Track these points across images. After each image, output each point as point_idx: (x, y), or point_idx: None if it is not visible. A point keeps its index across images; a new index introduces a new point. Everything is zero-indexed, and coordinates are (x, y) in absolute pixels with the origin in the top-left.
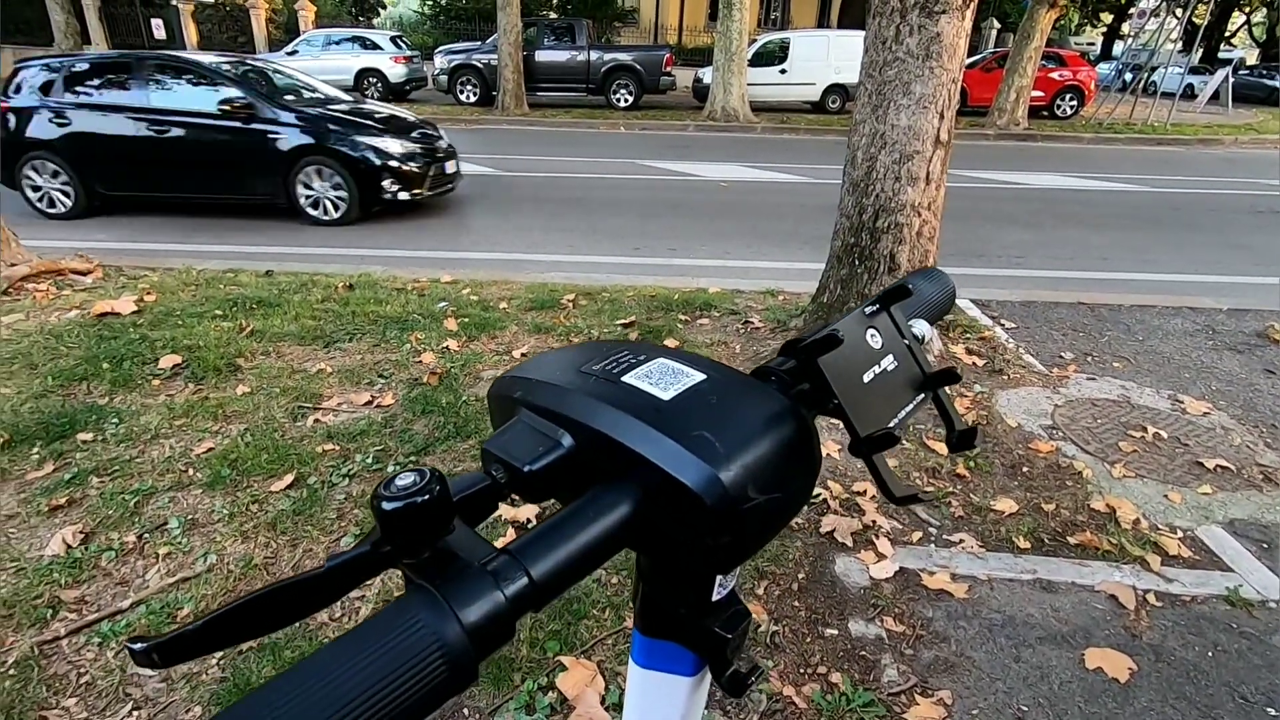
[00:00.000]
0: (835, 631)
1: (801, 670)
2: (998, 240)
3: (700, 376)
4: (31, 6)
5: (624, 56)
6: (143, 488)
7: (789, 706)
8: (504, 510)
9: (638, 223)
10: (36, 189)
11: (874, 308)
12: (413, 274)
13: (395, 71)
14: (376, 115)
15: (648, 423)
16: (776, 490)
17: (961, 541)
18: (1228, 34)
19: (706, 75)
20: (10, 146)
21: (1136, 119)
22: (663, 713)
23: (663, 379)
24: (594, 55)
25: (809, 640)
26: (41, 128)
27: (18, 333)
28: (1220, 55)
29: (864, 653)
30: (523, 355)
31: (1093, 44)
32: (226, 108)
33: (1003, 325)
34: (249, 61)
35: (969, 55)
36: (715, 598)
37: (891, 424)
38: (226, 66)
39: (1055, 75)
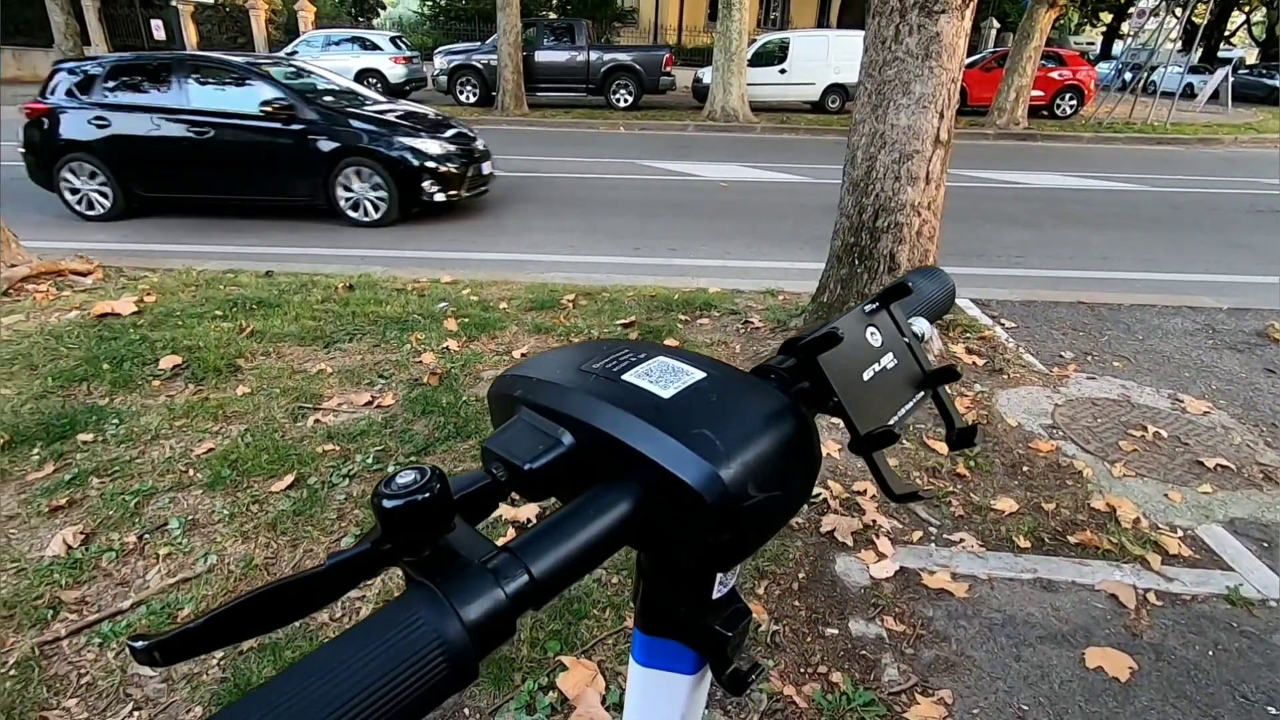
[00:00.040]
0: (836, 631)
1: (802, 670)
2: (997, 240)
3: (700, 374)
4: (31, 7)
5: (623, 57)
6: (143, 488)
7: (789, 706)
8: (504, 510)
9: (638, 223)
10: (75, 191)
11: (874, 306)
12: (413, 274)
13: (395, 72)
14: (414, 116)
15: (648, 421)
16: (776, 488)
17: (962, 541)
18: (1227, 33)
19: (706, 75)
20: (49, 148)
21: (1136, 118)
22: (663, 711)
23: (663, 377)
24: (593, 55)
25: (809, 640)
26: (80, 129)
27: (18, 333)
28: (1220, 54)
29: (864, 652)
30: (523, 355)
31: (1092, 43)
32: (267, 109)
33: (1003, 325)
34: (288, 63)
35: (968, 55)
36: (716, 596)
37: (891, 422)
38: (267, 67)
39: (1055, 75)
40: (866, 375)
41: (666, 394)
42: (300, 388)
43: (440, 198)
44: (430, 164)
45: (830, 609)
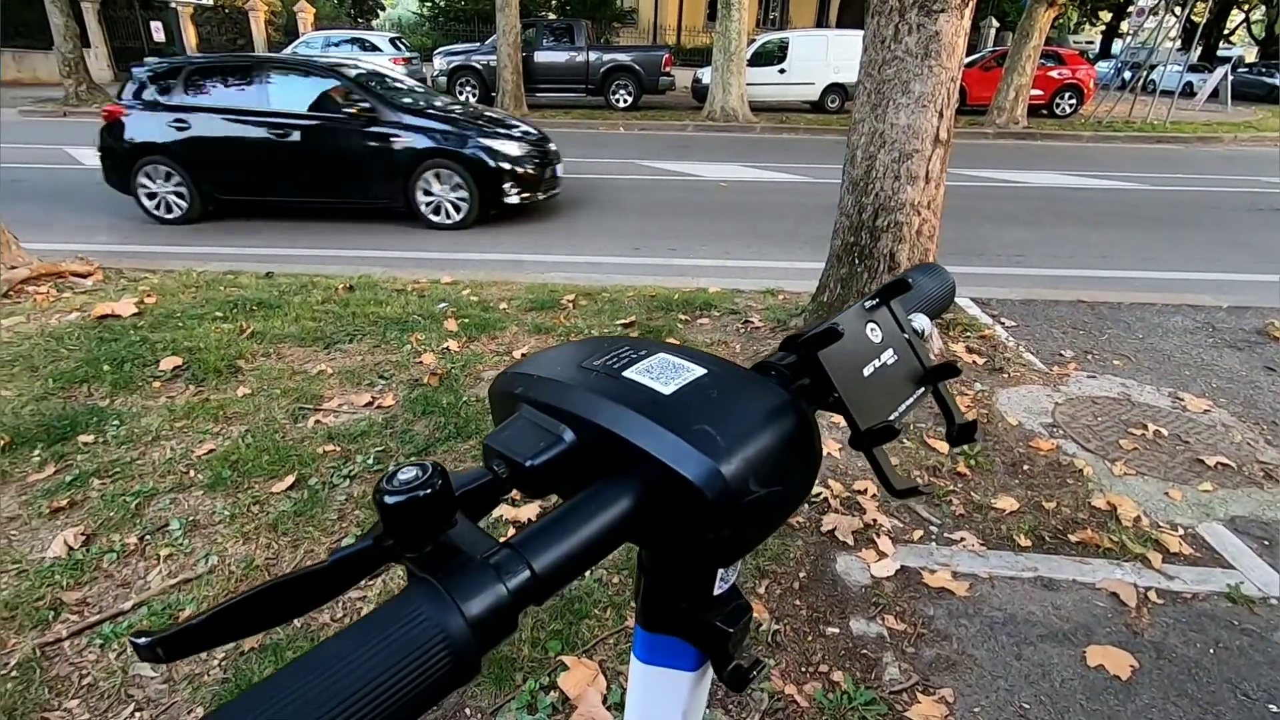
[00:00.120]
0: (837, 630)
1: (803, 669)
2: (997, 239)
3: (701, 371)
4: (31, 9)
5: (623, 57)
6: (144, 489)
7: (791, 705)
8: (505, 510)
9: (637, 223)
10: (151, 195)
11: (874, 302)
12: (412, 275)
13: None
14: (488, 118)
15: (649, 417)
16: (777, 483)
17: (962, 540)
18: (1226, 32)
19: (705, 75)
20: (126, 151)
21: (1135, 117)
22: (665, 708)
23: (663, 374)
24: (593, 56)
25: (810, 639)
26: (157, 132)
27: (18, 335)
28: (1219, 53)
29: (865, 651)
30: (523, 355)
31: (1091, 42)
32: (352, 111)
33: (1003, 323)
34: (362, 65)
35: (968, 54)
36: (717, 592)
37: (892, 417)
38: (346, 69)
39: (1054, 74)
40: (867, 371)
41: (667, 390)
42: (301, 388)
43: (520, 200)
44: (511, 166)
45: (831, 608)
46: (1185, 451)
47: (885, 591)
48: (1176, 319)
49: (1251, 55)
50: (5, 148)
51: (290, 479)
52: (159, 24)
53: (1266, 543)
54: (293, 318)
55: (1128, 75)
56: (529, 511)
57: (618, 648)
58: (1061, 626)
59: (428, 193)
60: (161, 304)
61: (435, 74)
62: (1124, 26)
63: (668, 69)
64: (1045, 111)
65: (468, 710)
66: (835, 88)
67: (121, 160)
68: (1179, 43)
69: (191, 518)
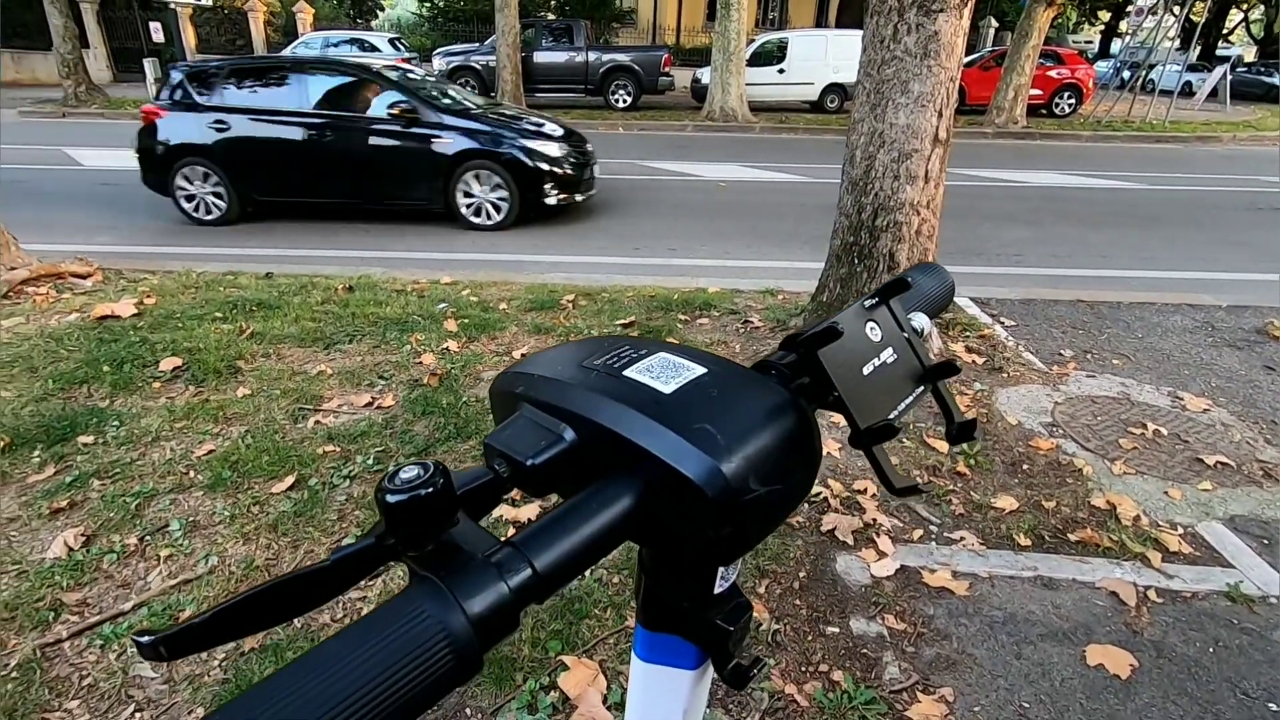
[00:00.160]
0: (837, 629)
1: (803, 668)
2: (997, 238)
3: (701, 370)
4: (30, 10)
5: (622, 57)
6: (144, 490)
7: (791, 704)
8: (504, 511)
9: (637, 223)
10: (190, 197)
11: (873, 301)
12: (412, 275)
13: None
14: (527, 119)
15: (649, 416)
16: (777, 482)
17: (962, 539)
18: (1225, 31)
19: (705, 75)
20: (164, 153)
21: (1135, 117)
22: (665, 706)
23: (664, 373)
24: (592, 56)
25: (810, 638)
26: (196, 133)
27: (18, 336)
28: (1218, 52)
29: (865, 650)
30: (522, 356)
31: (1090, 42)
32: (394, 112)
33: (1002, 323)
34: (392, 65)
35: (967, 54)
36: (717, 590)
37: (891, 416)
38: (387, 70)
39: (1053, 73)
40: (866, 370)
41: (668, 389)
42: (300, 389)
43: (558, 201)
44: (551, 166)
45: (831, 607)
46: (1185, 451)
47: (885, 591)
48: (1176, 318)
49: (1250, 55)
50: (4, 149)
51: (290, 479)
52: (158, 25)
53: (1266, 541)
54: (292, 318)
55: (1127, 75)
56: (529, 512)
57: (618, 647)
58: (1061, 626)
59: (468, 194)
60: (161, 305)
61: (434, 74)
62: (1123, 26)
63: (667, 69)
64: (1044, 111)
65: (468, 710)
66: (834, 88)
67: (160, 162)
68: (1178, 42)
69: (191, 518)
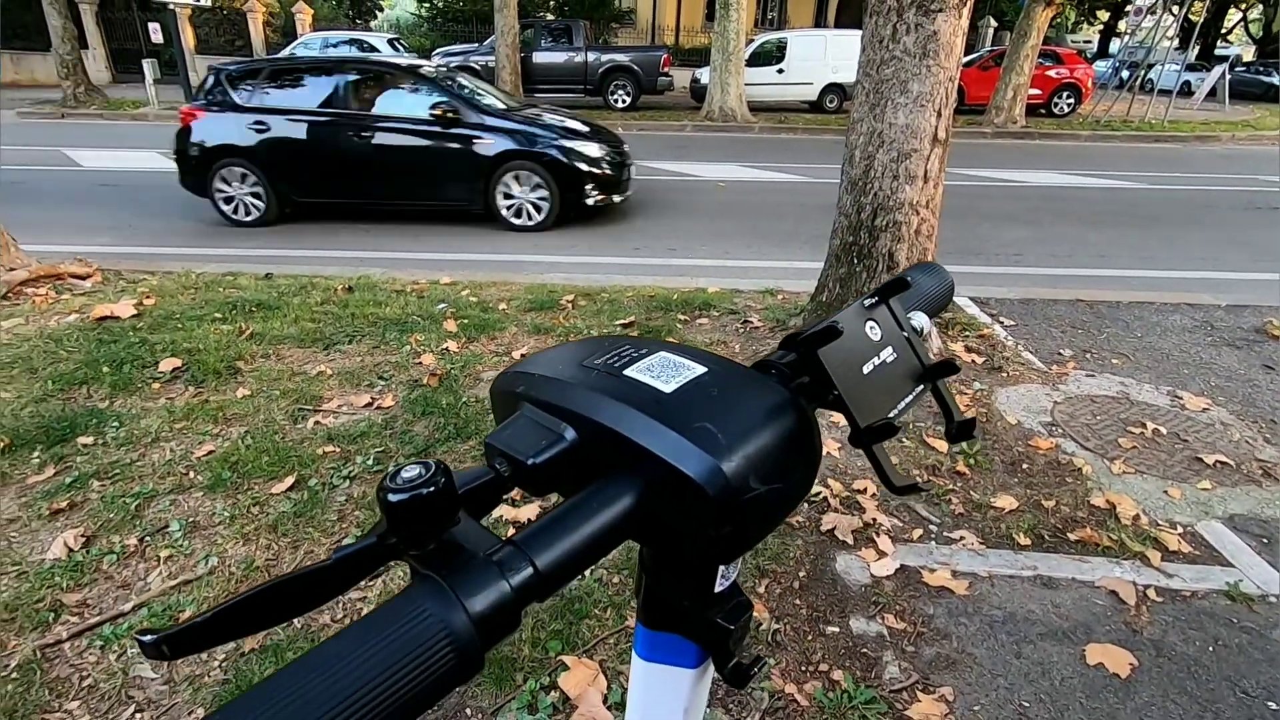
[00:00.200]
0: (836, 629)
1: (803, 668)
2: (996, 238)
3: (701, 369)
4: (29, 11)
5: (621, 57)
6: (143, 491)
7: (791, 704)
8: (504, 511)
9: (636, 222)
10: (228, 199)
11: (873, 300)
12: (411, 275)
13: None
14: (567, 120)
15: (650, 415)
16: (778, 481)
17: (962, 538)
18: (1224, 31)
19: (704, 75)
20: (203, 154)
21: (1134, 116)
22: (666, 705)
23: (664, 372)
24: (591, 56)
25: (810, 638)
26: (236, 134)
27: (17, 337)
28: (1217, 52)
29: (865, 650)
30: (522, 356)
31: (1089, 42)
32: (436, 112)
33: (1001, 323)
34: (429, 65)
35: (966, 53)
36: (718, 589)
37: (891, 415)
38: (427, 70)
39: (1052, 73)
40: (866, 369)
41: (668, 389)
42: (300, 390)
43: (597, 202)
44: (591, 167)
45: (831, 607)
46: (1184, 450)
47: (885, 590)
48: (1175, 318)
49: (1249, 54)
50: (3, 149)
51: (290, 480)
52: (156, 25)
53: (1265, 540)
54: (292, 319)
55: (1125, 74)
56: (528, 512)
57: (618, 647)
58: (1061, 625)
59: (508, 195)
60: (160, 305)
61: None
62: (1122, 26)
63: (666, 69)
64: (1043, 111)
65: (468, 710)
66: (833, 87)
67: (198, 163)
68: (1176, 42)
69: (191, 519)
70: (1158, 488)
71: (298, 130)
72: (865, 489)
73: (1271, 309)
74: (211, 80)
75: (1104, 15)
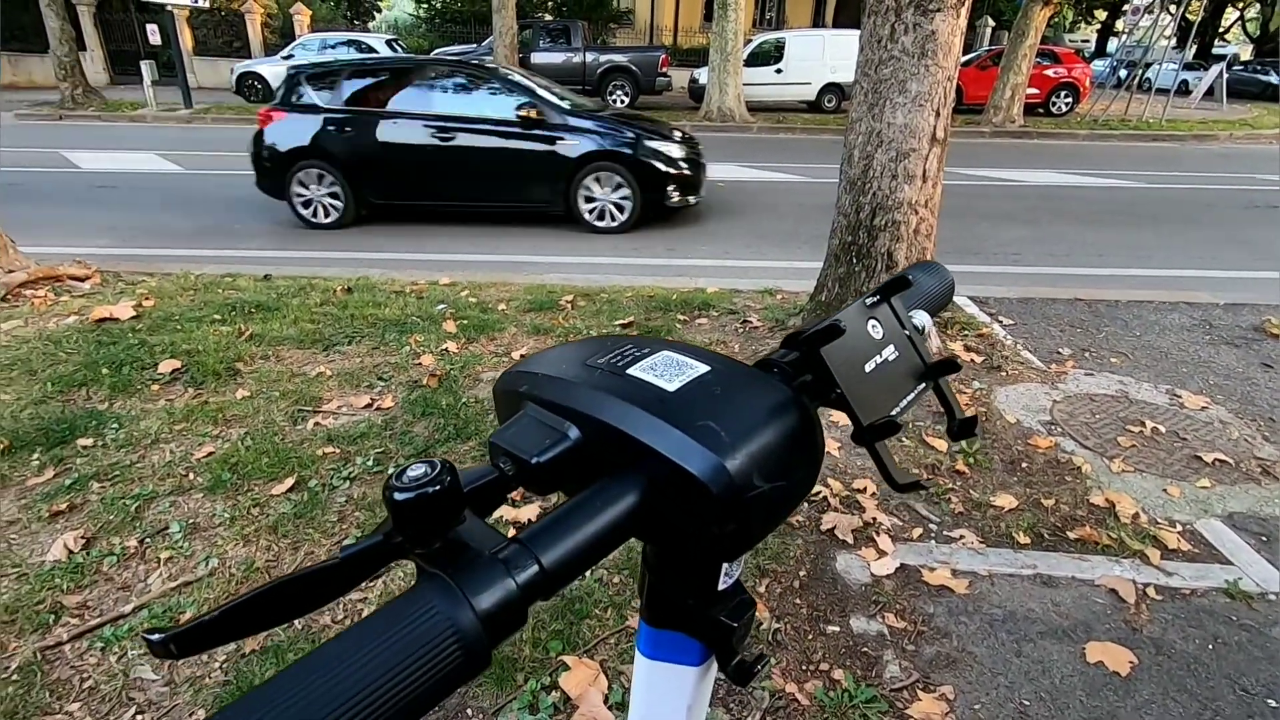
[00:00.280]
0: (837, 628)
1: (804, 667)
2: (995, 237)
3: (704, 368)
4: (27, 13)
5: (620, 58)
6: (143, 492)
7: (792, 703)
8: (504, 512)
9: (635, 222)
10: (306, 201)
11: (874, 299)
12: (410, 276)
13: None
14: (646, 120)
15: (654, 414)
16: (781, 478)
17: (962, 537)
18: (1222, 30)
19: (702, 76)
20: (282, 156)
21: (1131, 115)
22: (670, 703)
23: (667, 371)
24: (590, 57)
25: (811, 637)
26: (316, 135)
27: (16, 339)
28: (1214, 51)
29: (866, 649)
30: (522, 356)
31: (1087, 41)
32: (523, 113)
33: (1000, 322)
34: (503, 66)
35: (964, 53)
36: (721, 587)
37: (893, 413)
38: (508, 71)
39: (1050, 72)
40: (868, 367)
41: (671, 387)
42: (300, 391)
43: (677, 202)
44: (673, 168)
45: (831, 606)
46: (1183, 448)
47: (885, 589)
48: (1173, 316)
49: (1247, 53)
50: (2, 151)
51: (290, 481)
52: (154, 27)
53: (1264, 538)
54: (291, 320)
55: (1123, 73)
56: (528, 512)
57: (619, 647)
58: (1061, 623)
59: (589, 197)
60: (159, 307)
61: None
62: (1119, 25)
63: (664, 69)
64: (1041, 110)
65: (469, 710)
66: (832, 87)
67: (277, 165)
68: (1174, 41)
69: (191, 520)
70: (1157, 486)
71: (379, 131)
72: (865, 488)
73: (1270, 307)
74: (290, 81)
75: (1102, 14)
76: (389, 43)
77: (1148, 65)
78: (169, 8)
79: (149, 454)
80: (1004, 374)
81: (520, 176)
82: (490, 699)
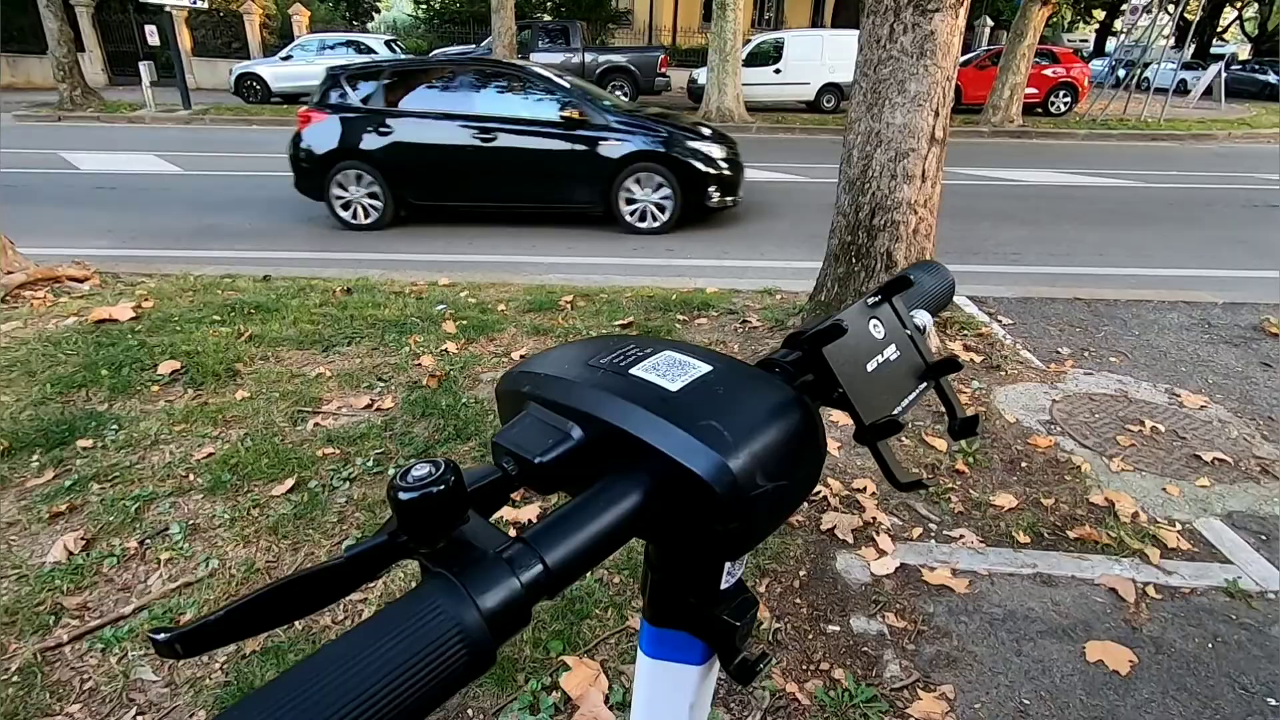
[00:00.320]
0: (837, 628)
1: (804, 667)
2: (994, 237)
3: (707, 368)
4: (26, 14)
5: (619, 58)
6: (143, 493)
7: (792, 703)
8: (504, 512)
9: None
10: (346, 203)
11: (876, 299)
12: (410, 277)
13: None
14: (687, 121)
15: (656, 413)
16: (784, 478)
17: (961, 537)
18: (1220, 29)
19: (701, 76)
20: (322, 156)
21: (1130, 115)
22: (672, 702)
23: (670, 371)
24: (589, 57)
25: (811, 637)
26: (355, 137)
27: (16, 340)
28: (1213, 50)
29: (866, 648)
30: (521, 357)
31: (1086, 41)
32: (566, 114)
33: (1000, 321)
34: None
35: (963, 53)
36: (723, 586)
37: (895, 412)
38: (549, 72)
39: (1049, 72)
40: (870, 367)
41: (674, 387)
42: (299, 391)
43: (719, 203)
44: (714, 169)
45: (831, 606)
46: (1182, 447)
47: (885, 589)
48: (1172, 316)
49: (1245, 52)
50: (1, 153)
51: (290, 482)
52: (153, 28)
53: (1264, 537)
54: (290, 321)
55: (1122, 73)
56: (528, 513)
57: (619, 647)
58: (1061, 622)
59: (630, 199)
60: (159, 308)
61: None
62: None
63: (663, 70)
64: (1040, 110)
65: (470, 711)
66: (831, 87)
67: (315, 167)
68: (1172, 40)
69: (191, 521)
70: (1156, 485)
71: (420, 132)
72: (865, 488)
73: (1269, 306)
74: (329, 82)
75: (1100, 14)
76: (388, 43)
77: (1146, 65)
78: (167, 9)
79: (149, 455)
80: (1003, 373)
81: (562, 177)
82: (491, 699)
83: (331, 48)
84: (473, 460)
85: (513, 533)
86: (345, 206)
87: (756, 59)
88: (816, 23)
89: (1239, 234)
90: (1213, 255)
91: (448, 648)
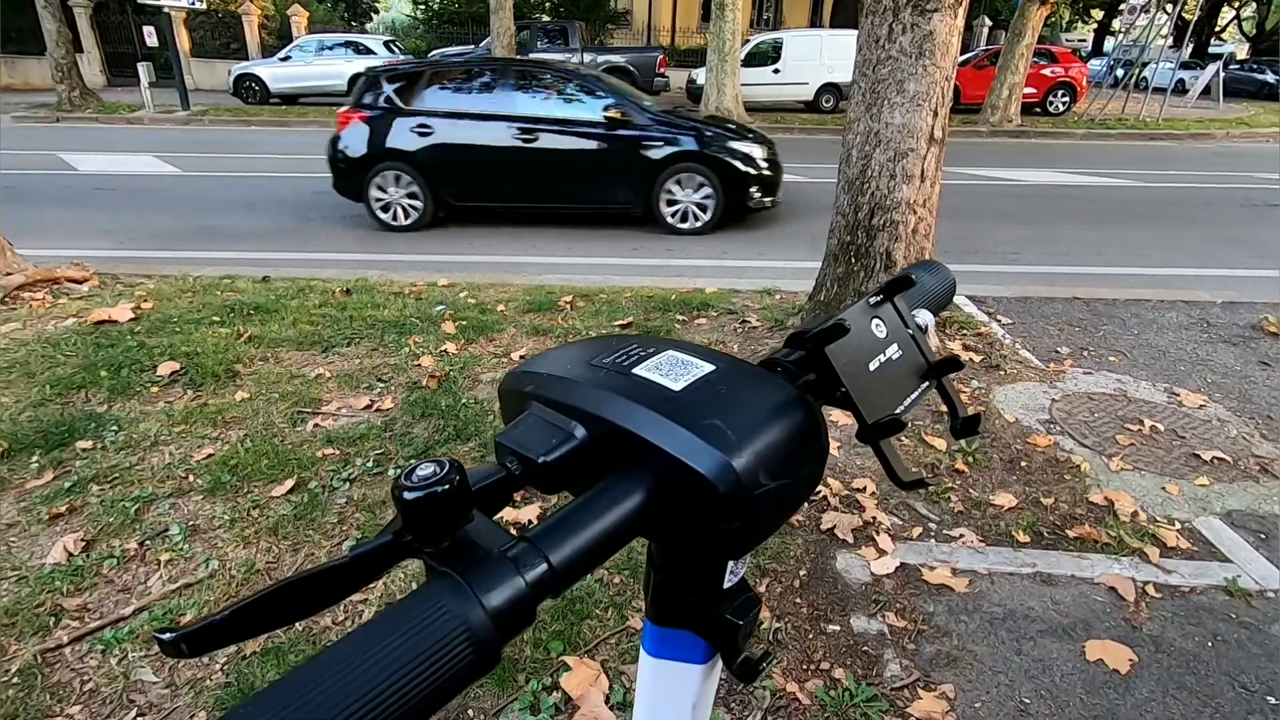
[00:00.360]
0: (837, 627)
1: (805, 667)
2: (993, 237)
3: (710, 367)
4: (24, 15)
5: (617, 58)
6: (143, 495)
7: (793, 703)
8: (504, 513)
9: (635, 223)
10: (385, 205)
11: (878, 298)
12: (409, 278)
13: None
14: (730, 121)
15: (660, 413)
16: (787, 476)
17: (961, 536)
18: (1218, 29)
19: (700, 76)
20: (361, 157)
21: (1128, 114)
22: (675, 701)
23: (673, 370)
24: (587, 58)
25: (811, 637)
26: (396, 138)
27: (15, 341)
28: (1211, 50)
29: (866, 648)
30: (521, 357)
31: (1084, 40)
32: (610, 115)
33: (999, 321)
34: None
35: (961, 53)
36: (726, 585)
37: (897, 411)
38: (591, 72)
39: (1047, 72)
40: (872, 366)
41: (677, 386)
42: (299, 392)
43: (758, 203)
44: (755, 169)
45: (832, 606)
46: (1181, 446)
47: (885, 589)
48: (1171, 315)
49: (1243, 52)
50: (3, 155)
51: (290, 483)
52: (151, 29)
53: (1263, 536)
54: (290, 321)
55: (1120, 73)
56: (529, 513)
57: (620, 647)
58: (1061, 621)
59: (671, 200)
60: (158, 309)
61: None
62: (1116, 24)
63: (662, 70)
64: (1038, 109)
65: (471, 711)
66: (829, 87)
67: (354, 168)
68: (1171, 40)
69: (191, 522)
70: (1156, 484)
71: (462, 133)
72: (865, 487)
73: (1268, 305)
74: (367, 83)
75: (1098, 14)
76: (387, 44)
77: (1144, 64)
78: (166, 9)
79: (148, 456)
80: (1003, 373)
81: (603, 177)
82: (491, 699)
83: (330, 49)
84: (473, 460)
85: (513, 533)
86: (385, 208)
87: (755, 59)
88: (815, 23)
89: (1237, 233)
90: (1211, 254)
91: (453, 647)
